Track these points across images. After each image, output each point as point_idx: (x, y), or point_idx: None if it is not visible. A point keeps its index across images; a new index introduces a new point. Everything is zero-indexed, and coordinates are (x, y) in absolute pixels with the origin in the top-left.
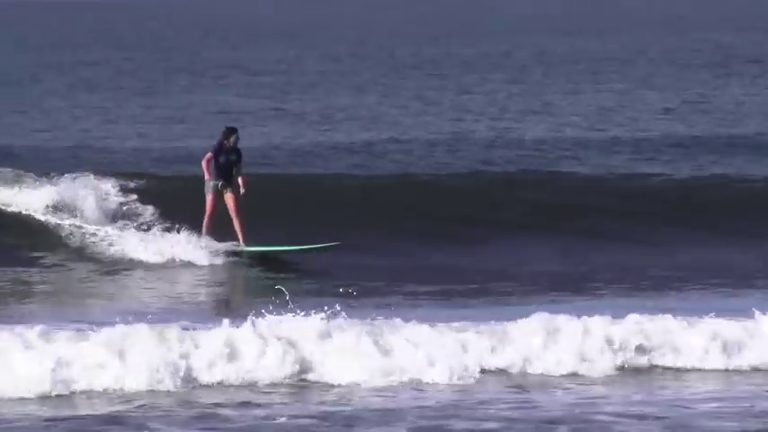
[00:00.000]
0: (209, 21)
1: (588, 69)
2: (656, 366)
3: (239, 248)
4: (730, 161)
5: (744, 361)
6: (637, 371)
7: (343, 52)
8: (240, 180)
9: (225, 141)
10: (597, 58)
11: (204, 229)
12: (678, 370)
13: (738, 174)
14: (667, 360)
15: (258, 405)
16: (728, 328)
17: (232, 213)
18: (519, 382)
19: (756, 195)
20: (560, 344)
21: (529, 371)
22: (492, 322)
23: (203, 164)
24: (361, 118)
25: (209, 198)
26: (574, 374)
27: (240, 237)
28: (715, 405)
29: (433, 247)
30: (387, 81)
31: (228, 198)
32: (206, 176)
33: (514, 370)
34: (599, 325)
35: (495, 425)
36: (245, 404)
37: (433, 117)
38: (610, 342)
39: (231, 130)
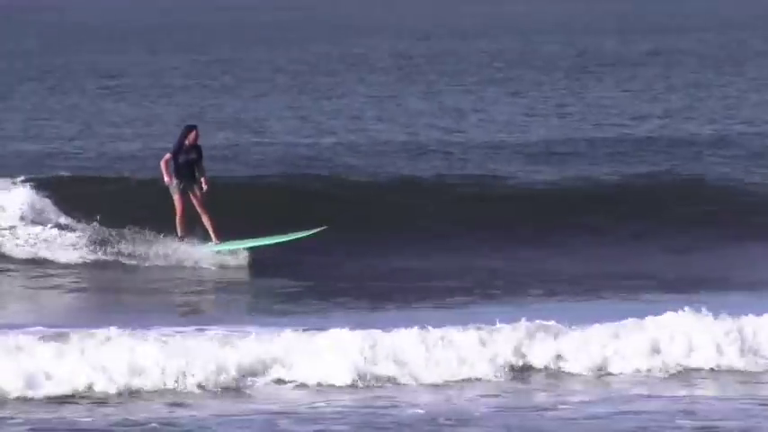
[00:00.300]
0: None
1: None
2: None
3: (215, 248)
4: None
5: None
6: None
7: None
8: (202, 178)
9: (184, 140)
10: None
11: (179, 230)
12: None
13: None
14: None
15: None
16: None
17: (199, 210)
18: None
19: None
20: None
21: None
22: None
23: (161, 164)
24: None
25: (175, 198)
26: None
27: (212, 233)
28: None
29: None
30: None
31: (193, 196)
32: (165, 178)
33: None
34: None
35: None
36: None
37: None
38: None
39: (190, 128)
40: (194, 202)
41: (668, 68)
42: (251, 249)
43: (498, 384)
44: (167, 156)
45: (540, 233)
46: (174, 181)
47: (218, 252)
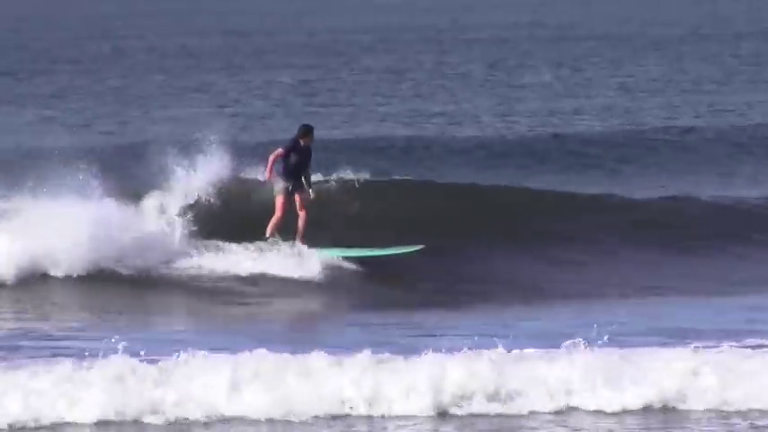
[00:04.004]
0: None
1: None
2: None
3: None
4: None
5: None
6: None
7: None
8: (310, 189)
9: (300, 140)
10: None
11: (269, 231)
12: None
13: None
14: None
15: None
16: None
17: (300, 213)
18: None
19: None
20: None
21: None
22: None
23: (270, 158)
24: None
25: (278, 200)
26: None
27: (299, 235)
28: None
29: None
30: None
31: (299, 200)
32: (266, 173)
33: None
34: None
35: None
36: None
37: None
38: None
39: (308, 129)
40: (298, 204)
41: None
42: (346, 258)
43: None
44: (279, 151)
45: None
46: (282, 183)
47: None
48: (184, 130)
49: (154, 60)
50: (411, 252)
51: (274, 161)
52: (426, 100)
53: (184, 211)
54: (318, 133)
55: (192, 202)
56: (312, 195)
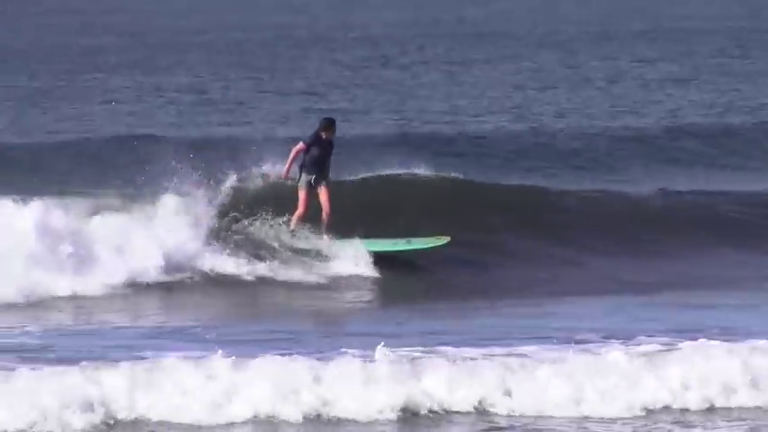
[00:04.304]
0: None
1: None
2: None
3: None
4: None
5: None
6: None
7: None
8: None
9: (321, 133)
10: None
11: (293, 224)
12: None
13: None
14: None
15: None
16: None
17: (324, 207)
18: None
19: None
20: None
21: None
22: None
23: (291, 152)
24: None
25: (301, 194)
26: None
27: (325, 229)
28: None
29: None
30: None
31: (322, 193)
32: (285, 167)
33: None
34: None
35: None
36: None
37: None
38: None
39: (330, 122)
40: (322, 199)
41: None
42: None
43: None
44: (300, 145)
45: None
46: (304, 176)
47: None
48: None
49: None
50: (440, 246)
51: (295, 156)
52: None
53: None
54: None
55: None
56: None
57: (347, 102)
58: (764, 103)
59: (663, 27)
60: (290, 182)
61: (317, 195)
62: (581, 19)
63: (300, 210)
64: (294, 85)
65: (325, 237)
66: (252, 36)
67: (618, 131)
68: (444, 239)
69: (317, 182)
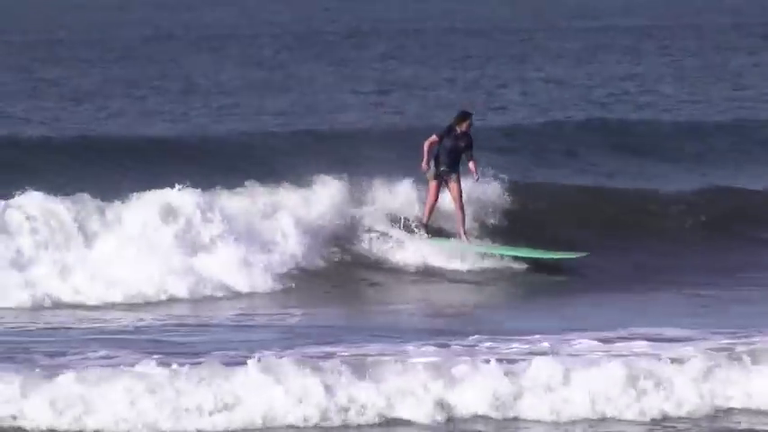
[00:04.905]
0: None
1: None
2: None
3: (464, 245)
4: None
5: None
6: None
7: None
8: (471, 165)
9: (456, 126)
10: None
11: (425, 217)
12: None
13: None
14: None
15: None
16: None
17: (455, 204)
18: None
19: None
20: None
21: None
22: None
23: (424, 146)
24: None
25: (431, 186)
26: None
27: (461, 230)
28: None
29: None
30: None
31: (453, 187)
32: (423, 163)
33: None
34: None
35: None
36: None
37: None
38: None
39: (465, 115)
40: (453, 194)
41: None
42: (504, 256)
43: None
44: (433, 137)
45: None
46: (432, 168)
47: (470, 251)
48: None
49: None
50: (574, 258)
51: (429, 149)
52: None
53: None
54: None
55: None
56: (476, 177)
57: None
58: None
59: None
60: (427, 174)
61: (448, 188)
62: None
63: (430, 199)
64: None
65: (463, 238)
66: None
67: None
68: (583, 253)
69: (447, 175)
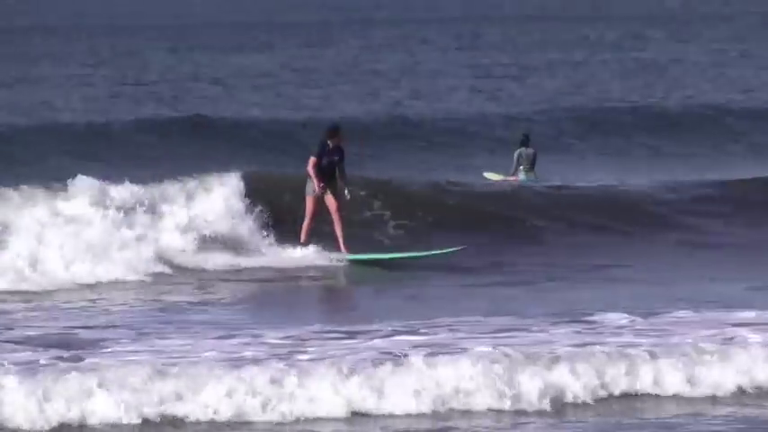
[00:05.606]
0: None
1: None
2: None
3: (343, 257)
4: None
5: None
6: None
7: None
8: (341, 182)
9: (328, 141)
10: None
11: (303, 235)
12: None
13: None
14: None
15: None
16: None
17: (334, 217)
18: None
19: None
20: None
21: None
22: None
23: (310, 171)
24: None
25: (308, 201)
26: None
27: (341, 243)
28: None
29: None
30: None
31: (330, 201)
32: (315, 186)
33: None
34: None
35: None
36: None
37: None
38: None
39: (335, 130)
40: (331, 207)
41: None
42: (388, 261)
43: None
44: (313, 159)
45: None
46: (312, 184)
47: (348, 261)
48: None
49: None
50: (451, 253)
51: (314, 170)
52: None
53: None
54: None
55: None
56: (348, 196)
57: None
58: None
59: None
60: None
61: (324, 204)
62: None
63: (308, 217)
64: None
65: (342, 251)
66: None
67: None
68: (459, 247)
69: (325, 189)
